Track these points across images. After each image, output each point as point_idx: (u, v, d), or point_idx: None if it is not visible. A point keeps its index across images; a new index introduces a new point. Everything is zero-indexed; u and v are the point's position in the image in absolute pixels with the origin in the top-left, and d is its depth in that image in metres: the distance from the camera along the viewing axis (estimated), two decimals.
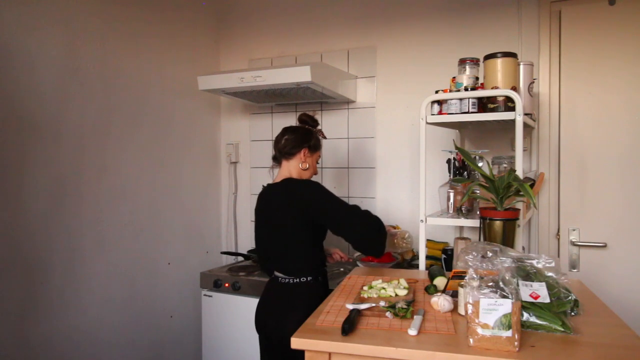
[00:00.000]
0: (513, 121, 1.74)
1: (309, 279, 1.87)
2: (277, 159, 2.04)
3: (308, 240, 1.88)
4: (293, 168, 1.98)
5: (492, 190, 1.57)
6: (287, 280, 1.89)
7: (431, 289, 1.52)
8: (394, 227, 2.61)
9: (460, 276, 1.38)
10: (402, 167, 2.68)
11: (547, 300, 1.21)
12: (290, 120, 2.95)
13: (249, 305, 2.44)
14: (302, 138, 1.98)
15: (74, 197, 2.13)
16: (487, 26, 2.46)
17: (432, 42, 2.59)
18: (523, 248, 2.09)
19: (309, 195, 1.86)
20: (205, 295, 2.56)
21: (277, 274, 1.94)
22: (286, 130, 2.02)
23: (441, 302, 1.34)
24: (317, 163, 2.07)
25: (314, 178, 2.05)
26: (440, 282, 1.54)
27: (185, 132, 2.82)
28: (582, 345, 1.11)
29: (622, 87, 2.24)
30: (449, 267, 2.20)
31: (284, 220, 1.88)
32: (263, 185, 2.06)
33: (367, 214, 1.87)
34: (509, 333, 1.07)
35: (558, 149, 2.35)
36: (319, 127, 2.09)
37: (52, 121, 2.04)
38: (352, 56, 2.78)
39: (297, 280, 1.88)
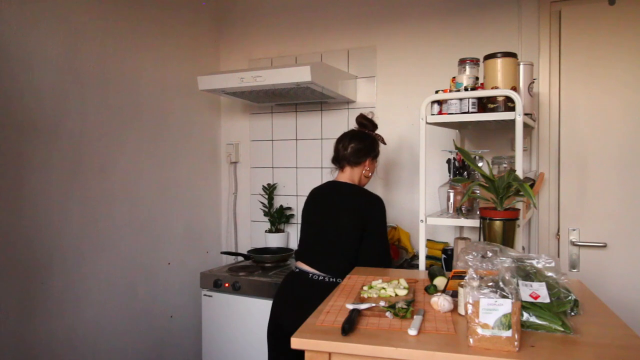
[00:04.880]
0: (513, 121, 1.74)
1: (338, 279, 1.89)
2: (340, 163, 2.07)
3: (357, 246, 1.93)
4: (357, 175, 2.06)
5: (492, 190, 1.57)
6: (321, 277, 1.90)
7: (431, 289, 1.52)
8: (394, 228, 2.62)
9: (460, 276, 1.38)
10: (402, 167, 2.68)
11: (547, 300, 1.21)
12: (290, 120, 2.96)
13: (249, 305, 2.44)
14: (368, 149, 2.05)
15: (74, 197, 2.13)
16: (487, 26, 2.46)
17: (432, 42, 2.59)
18: (523, 248, 2.09)
19: (375, 212, 1.96)
20: (205, 295, 2.56)
21: (306, 268, 1.94)
22: (352, 138, 2.05)
23: (441, 302, 1.33)
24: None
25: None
26: (440, 282, 1.54)
27: (185, 132, 2.82)
28: (582, 345, 1.11)
29: (622, 87, 2.24)
30: (449, 267, 2.20)
31: (347, 222, 1.93)
32: (314, 188, 2.12)
33: (390, 259, 2.01)
34: (509, 333, 1.07)
35: (558, 149, 2.35)
36: (377, 132, 2.13)
37: (52, 121, 2.04)
38: (352, 56, 2.78)
39: (334, 280, 1.89)
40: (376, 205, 1.98)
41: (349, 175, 2.05)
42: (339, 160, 2.06)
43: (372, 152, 2.06)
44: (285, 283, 2.01)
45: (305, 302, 1.78)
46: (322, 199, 2.06)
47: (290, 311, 1.88)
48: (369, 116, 2.13)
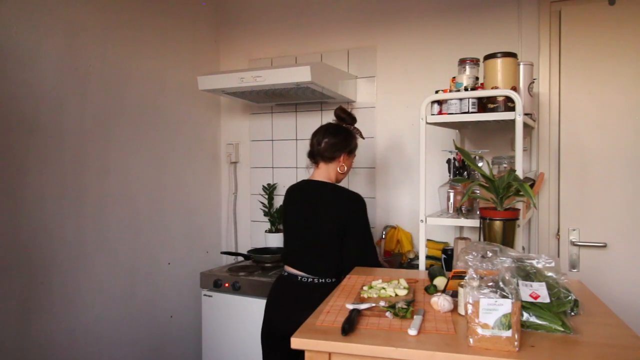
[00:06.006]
0: (513, 121, 1.74)
1: (333, 280, 1.88)
2: (314, 159, 2.01)
3: (339, 244, 1.90)
4: (332, 171, 1.99)
5: (492, 190, 1.57)
6: (310, 279, 1.89)
7: (431, 289, 1.52)
8: (394, 228, 2.62)
9: (460, 276, 1.38)
10: (402, 167, 2.68)
11: (547, 300, 1.21)
12: (290, 120, 2.96)
13: (249, 305, 2.44)
14: (342, 144, 1.98)
15: (75, 197, 2.13)
16: (487, 26, 2.46)
17: (432, 42, 2.59)
18: (523, 248, 2.09)
19: (355, 210, 1.92)
20: (205, 295, 2.56)
21: (294, 271, 1.92)
22: (326, 133, 1.98)
23: (441, 302, 1.33)
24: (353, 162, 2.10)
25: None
26: (440, 282, 1.54)
27: (186, 132, 2.82)
28: (582, 345, 1.11)
29: (621, 87, 2.24)
30: (449, 267, 2.20)
31: (327, 222, 1.90)
32: (290, 187, 2.07)
33: (376, 260, 1.96)
34: (508, 333, 1.07)
35: (558, 149, 2.35)
36: (356, 125, 2.07)
37: (53, 121, 2.04)
38: (352, 56, 2.78)
39: (323, 280, 1.88)
40: (355, 203, 1.94)
41: (324, 172, 1.99)
42: (314, 155, 2.00)
43: (346, 147, 1.98)
44: (276, 287, 1.99)
45: (297, 305, 1.80)
46: (299, 199, 2.01)
47: (283, 315, 1.87)
48: (349, 109, 2.07)
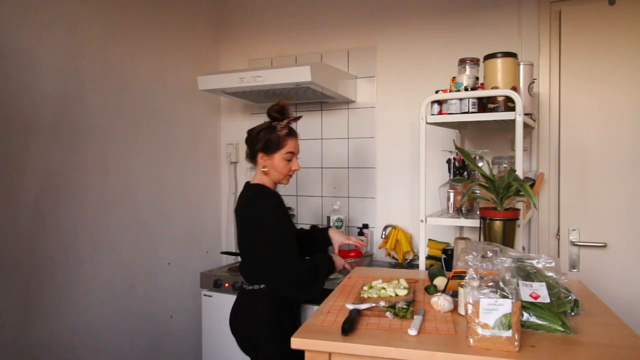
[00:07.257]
0: (513, 121, 1.74)
1: (261, 286, 1.85)
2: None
3: (261, 249, 1.82)
4: (259, 173, 1.92)
5: (492, 190, 1.57)
6: (248, 287, 1.90)
7: (431, 289, 1.52)
8: (394, 228, 2.62)
9: (460, 276, 1.38)
10: (402, 167, 2.68)
11: (547, 300, 1.21)
12: None
13: None
14: (251, 144, 1.90)
15: (75, 197, 2.13)
16: (487, 26, 2.46)
17: (432, 42, 2.59)
18: (523, 248, 2.10)
19: (251, 212, 1.83)
20: (205, 295, 2.56)
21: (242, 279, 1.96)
22: (246, 137, 1.95)
23: (441, 302, 1.34)
24: (289, 160, 1.89)
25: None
26: (440, 282, 1.54)
27: (186, 132, 2.82)
28: (582, 345, 1.11)
29: (622, 87, 2.24)
30: (449, 267, 2.20)
31: (240, 227, 1.90)
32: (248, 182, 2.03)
33: (281, 269, 1.78)
34: (509, 333, 1.07)
35: (558, 149, 2.35)
36: (287, 120, 1.87)
37: (53, 121, 2.04)
38: (352, 56, 2.78)
39: (251, 287, 1.88)
40: (252, 204, 1.84)
41: (257, 173, 1.92)
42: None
43: (255, 147, 1.87)
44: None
45: (246, 313, 1.87)
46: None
47: (239, 323, 1.90)
48: (281, 103, 1.88)
